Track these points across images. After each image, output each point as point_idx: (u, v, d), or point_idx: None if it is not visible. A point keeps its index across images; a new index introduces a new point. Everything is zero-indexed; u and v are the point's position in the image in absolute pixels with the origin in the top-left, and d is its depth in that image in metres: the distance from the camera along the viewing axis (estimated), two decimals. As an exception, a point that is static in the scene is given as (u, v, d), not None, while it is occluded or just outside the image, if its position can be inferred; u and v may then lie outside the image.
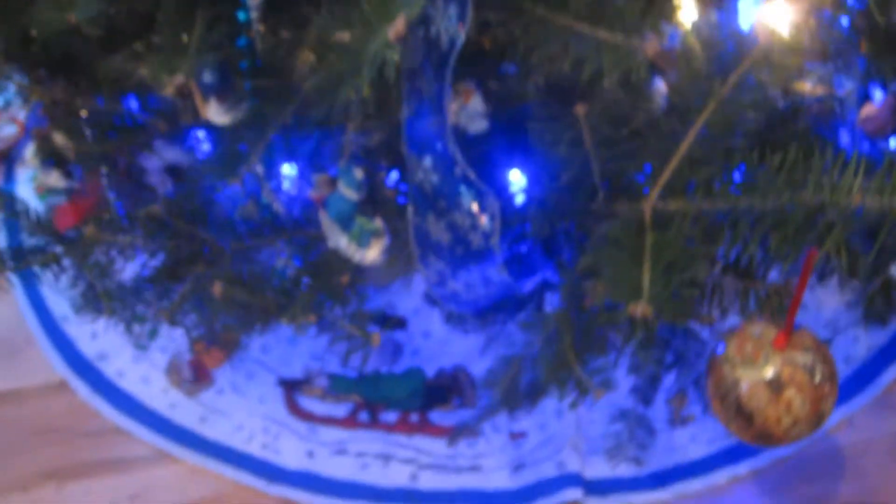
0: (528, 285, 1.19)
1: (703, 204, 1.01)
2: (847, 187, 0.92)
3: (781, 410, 1.02)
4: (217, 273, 1.17)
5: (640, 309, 0.91)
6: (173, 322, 1.23)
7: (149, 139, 1.24)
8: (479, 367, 1.59)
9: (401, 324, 1.65)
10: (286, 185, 1.23)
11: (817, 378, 1.03)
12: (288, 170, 1.22)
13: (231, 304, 1.18)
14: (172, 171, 1.30)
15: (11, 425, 1.61)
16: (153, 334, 1.68)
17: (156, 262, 1.25)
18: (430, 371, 1.60)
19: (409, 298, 1.68)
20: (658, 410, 1.53)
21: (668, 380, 1.53)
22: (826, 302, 1.52)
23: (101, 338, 1.68)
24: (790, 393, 1.02)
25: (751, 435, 1.06)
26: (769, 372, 1.03)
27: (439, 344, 1.63)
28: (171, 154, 1.30)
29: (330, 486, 1.50)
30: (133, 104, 1.24)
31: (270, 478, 1.51)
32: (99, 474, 1.54)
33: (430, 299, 1.59)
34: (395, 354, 1.62)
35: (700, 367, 1.34)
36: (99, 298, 1.26)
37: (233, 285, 1.16)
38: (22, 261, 1.25)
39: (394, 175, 1.20)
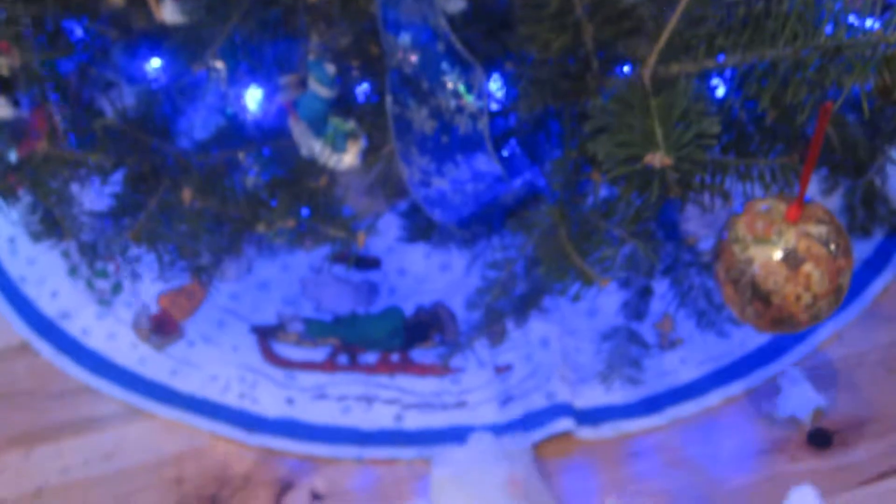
0: (516, 184, 1.14)
1: (706, 62, 0.96)
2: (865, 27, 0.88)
3: (800, 287, 0.98)
4: (185, 182, 1.11)
5: (658, 158, 0.86)
6: (142, 242, 1.16)
7: (102, 51, 1.17)
8: (458, 302, 1.54)
9: (375, 263, 1.60)
10: (251, 93, 1.16)
11: (834, 249, 0.98)
12: (251, 75, 1.15)
13: (202, 217, 1.12)
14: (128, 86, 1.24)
15: (-26, 392, 1.54)
16: (117, 289, 1.63)
17: (116, 181, 1.18)
18: (408, 309, 1.56)
19: (381, 239, 1.62)
20: (646, 336, 1.49)
21: (653, 305, 1.49)
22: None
23: (62, 297, 1.63)
24: (808, 267, 0.97)
25: (768, 320, 1.01)
26: (784, 247, 0.97)
27: (416, 281, 1.59)
28: (126, 66, 1.23)
29: (312, 432, 1.45)
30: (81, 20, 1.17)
31: (249, 427, 1.46)
32: (69, 435, 1.49)
33: (404, 237, 1.54)
34: (371, 295, 1.57)
35: (690, 279, 1.30)
36: (58, 224, 1.19)
37: (203, 194, 1.09)
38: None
39: (364, 86, 1.14)
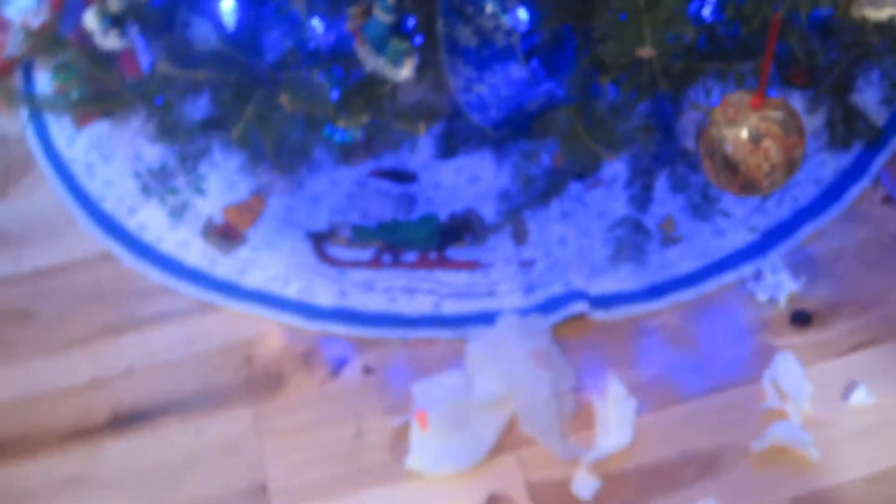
0: (539, 91, 1.37)
1: None
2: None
3: (760, 158, 1.22)
4: (282, 90, 1.34)
5: (646, 51, 1.10)
6: (242, 143, 1.38)
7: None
8: (487, 209, 1.76)
9: (412, 177, 1.82)
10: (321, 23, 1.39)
11: (788, 129, 1.22)
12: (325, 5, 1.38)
13: (293, 118, 1.35)
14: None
15: (64, 293, 1.76)
16: (185, 205, 1.83)
17: (218, 96, 1.41)
18: (443, 216, 1.77)
19: (417, 156, 1.84)
20: (651, 234, 1.70)
21: (658, 208, 1.71)
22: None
23: (137, 212, 1.84)
24: (766, 143, 1.21)
25: (738, 185, 1.25)
26: (747, 127, 1.21)
27: (449, 192, 1.80)
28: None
29: (362, 318, 1.67)
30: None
31: (308, 315, 1.67)
32: (152, 326, 1.70)
33: (438, 154, 1.75)
34: (410, 204, 1.79)
35: (686, 178, 1.52)
36: (171, 130, 1.42)
37: (297, 98, 1.32)
38: (92, 106, 1.40)
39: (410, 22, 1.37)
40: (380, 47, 1.33)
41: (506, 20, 1.29)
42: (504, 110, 1.37)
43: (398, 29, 1.35)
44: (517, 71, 1.32)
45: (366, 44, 1.34)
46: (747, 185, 1.27)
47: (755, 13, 1.25)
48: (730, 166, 1.24)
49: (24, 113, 2.05)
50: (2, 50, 2.17)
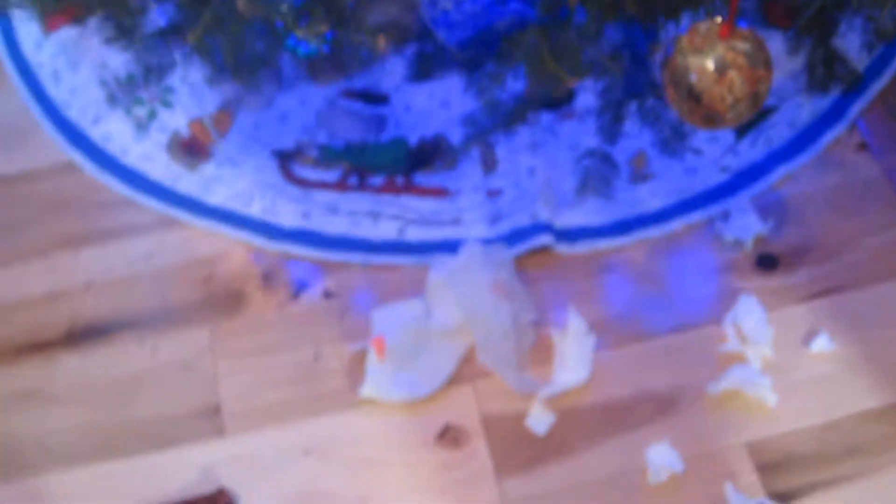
0: (508, 10, 1.34)
1: None
2: None
3: (724, 90, 1.19)
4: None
5: None
6: (199, 48, 1.35)
7: None
8: (457, 136, 1.73)
9: (383, 99, 1.79)
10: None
11: (754, 62, 1.19)
12: None
13: (251, 24, 1.32)
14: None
15: (26, 201, 1.74)
16: (152, 115, 1.80)
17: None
18: (412, 140, 1.74)
19: (390, 78, 1.81)
20: (622, 170, 1.68)
21: (628, 143, 1.69)
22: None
23: (102, 122, 1.80)
24: (731, 74, 1.19)
25: (699, 116, 1.22)
26: (713, 57, 1.19)
27: (420, 116, 1.77)
28: None
29: (325, 241, 1.65)
30: None
31: (270, 235, 1.66)
32: (112, 239, 1.68)
33: (410, 76, 1.72)
34: (380, 126, 1.76)
35: (656, 111, 1.49)
36: (128, 31, 1.38)
37: (254, 2, 1.29)
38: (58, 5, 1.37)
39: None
40: None
41: None
42: (471, 29, 1.34)
43: None
44: None
45: None
46: (709, 117, 1.25)
47: None
48: (693, 96, 1.22)
49: (-9, 14, 2.00)
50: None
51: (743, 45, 1.20)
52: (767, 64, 1.22)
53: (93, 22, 1.44)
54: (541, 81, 1.30)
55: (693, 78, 1.20)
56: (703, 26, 1.22)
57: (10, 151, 1.79)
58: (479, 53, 1.38)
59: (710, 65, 1.20)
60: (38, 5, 1.46)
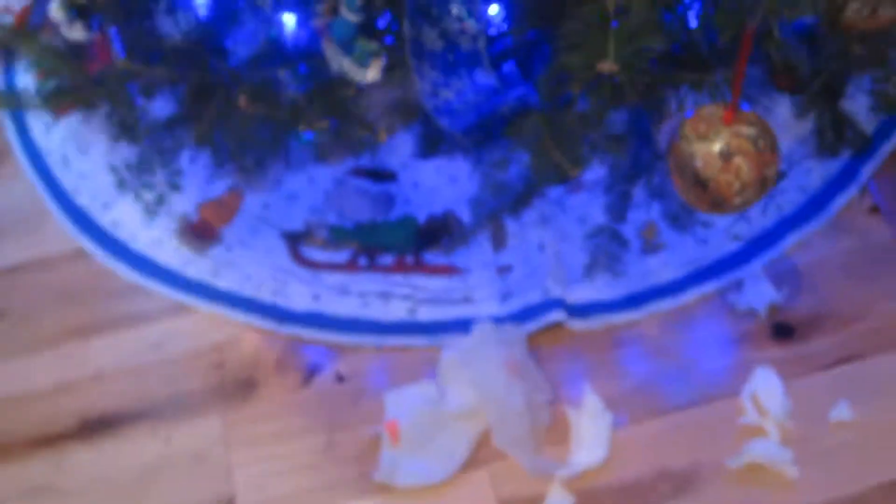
0: (511, 97, 1.33)
1: None
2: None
3: (731, 176, 1.18)
4: (241, 91, 1.31)
5: (608, 66, 1.07)
6: (203, 143, 1.35)
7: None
8: (465, 211, 1.73)
9: (391, 176, 1.78)
10: (289, 18, 1.36)
11: (760, 146, 1.18)
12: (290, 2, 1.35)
13: (254, 120, 1.32)
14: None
15: (36, 290, 1.73)
16: (161, 200, 1.80)
17: (180, 95, 1.38)
18: (421, 217, 1.73)
19: (396, 155, 1.81)
20: (633, 243, 1.67)
21: (639, 214, 1.68)
22: (781, 137, 1.66)
23: (111, 207, 1.80)
24: (738, 160, 1.18)
25: (707, 203, 1.21)
26: (719, 143, 1.18)
27: (428, 192, 1.77)
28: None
29: (336, 324, 1.64)
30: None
31: (281, 319, 1.65)
32: (122, 328, 1.67)
33: (417, 153, 1.72)
34: (388, 204, 1.75)
35: (664, 185, 1.48)
36: (131, 129, 1.39)
37: (254, 101, 1.29)
38: (62, 99, 1.38)
39: (385, 13, 1.33)
40: (346, 47, 1.30)
41: (472, 23, 1.26)
42: (473, 116, 1.33)
43: (367, 29, 1.31)
44: (484, 76, 1.28)
45: (332, 43, 1.31)
46: (717, 203, 1.24)
47: (726, 26, 1.21)
48: (699, 183, 1.21)
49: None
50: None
51: (748, 130, 1.19)
52: (774, 147, 1.21)
53: (96, 118, 1.44)
54: (544, 171, 1.29)
55: (698, 165, 1.20)
56: (707, 111, 1.21)
57: (21, 239, 1.79)
58: (482, 138, 1.37)
59: (715, 152, 1.19)
60: (47, 104, 1.46)
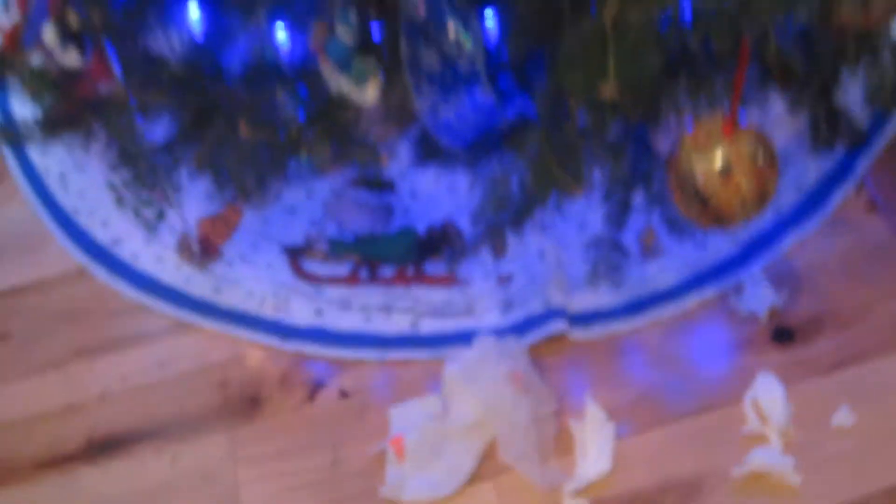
0: (509, 112, 1.34)
1: (653, 11, 1.15)
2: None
3: (731, 191, 1.19)
4: (241, 117, 1.31)
5: (609, 90, 1.07)
6: (203, 167, 1.36)
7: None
8: (465, 220, 1.73)
9: (390, 186, 1.79)
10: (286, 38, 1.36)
11: (760, 161, 1.19)
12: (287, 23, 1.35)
13: (255, 146, 1.32)
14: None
15: (39, 312, 1.74)
16: (160, 217, 1.80)
17: (179, 120, 1.38)
18: (421, 227, 1.74)
19: (395, 164, 1.80)
20: (630, 248, 1.67)
21: (637, 219, 1.68)
22: (775, 133, 1.66)
23: (111, 225, 1.81)
24: (738, 175, 1.18)
25: (708, 218, 1.22)
26: (719, 161, 1.18)
27: (427, 203, 1.77)
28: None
29: (339, 338, 1.65)
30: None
31: (284, 336, 1.65)
32: (126, 347, 1.68)
33: (416, 160, 1.72)
34: (387, 216, 1.76)
35: (663, 191, 1.48)
36: (133, 157, 1.39)
37: (255, 126, 1.30)
38: (56, 129, 1.38)
39: (379, 26, 1.33)
40: (343, 66, 1.30)
41: (468, 42, 1.26)
42: (473, 133, 1.34)
43: (364, 47, 1.31)
44: (482, 95, 1.28)
45: (329, 62, 1.31)
46: (718, 219, 1.24)
47: (723, 35, 1.20)
48: (700, 199, 1.21)
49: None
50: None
51: (747, 145, 1.20)
52: (773, 161, 1.22)
53: (96, 147, 1.45)
54: (544, 186, 1.29)
55: (699, 182, 1.20)
56: (706, 125, 1.22)
57: (23, 261, 1.80)
58: (482, 154, 1.37)
59: (715, 167, 1.19)
60: (42, 132, 1.46)
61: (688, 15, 1.30)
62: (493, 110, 1.34)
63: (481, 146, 1.41)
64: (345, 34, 1.30)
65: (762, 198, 1.22)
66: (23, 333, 1.72)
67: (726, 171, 1.20)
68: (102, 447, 1.58)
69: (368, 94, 1.32)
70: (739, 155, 1.20)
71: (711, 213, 1.22)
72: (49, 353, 1.69)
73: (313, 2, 1.34)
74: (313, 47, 1.33)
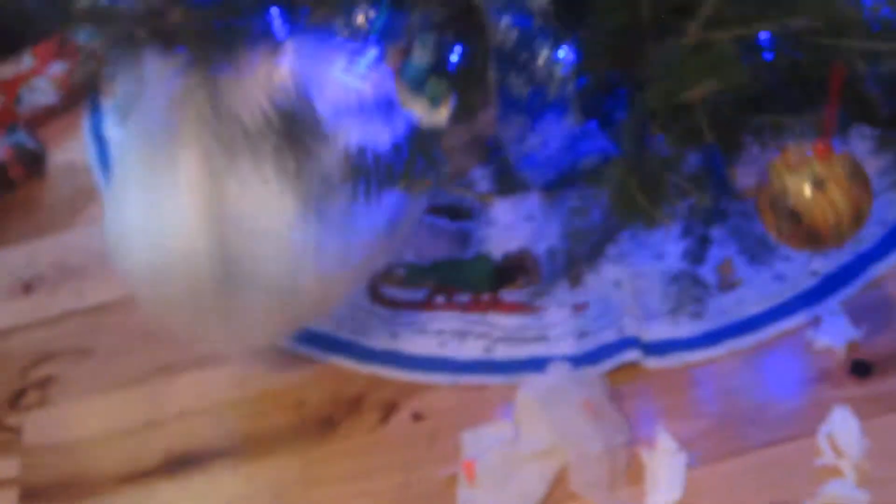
0: (591, 146, 1.34)
1: (740, 30, 1.15)
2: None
3: (826, 206, 1.17)
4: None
5: (697, 91, 1.08)
6: None
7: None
8: (541, 248, 1.74)
9: (468, 214, 1.80)
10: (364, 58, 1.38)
11: (854, 181, 1.18)
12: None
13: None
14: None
15: (122, 329, 1.78)
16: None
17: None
18: (497, 255, 1.75)
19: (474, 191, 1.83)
20: (708, 279, 1.67)
21: (715, 251, 1.67)
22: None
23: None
24: (832, 190, 1.17)
25: (801, 237, 1.21)
26: (812, 175, 1.18)
27: (504, 230, 1.78)
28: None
29: (413, 362, 1.66)
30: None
31: (360, 358, 1.67)
32: (206, 366, 1.71)
33: (495, 191, 1.73)
34: (465, 242, 1.77)
35: (742, 225, 1.48)
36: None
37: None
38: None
39: (458, 49, 1.34)
40: (418, 87, 1.32)
41: (560, 69, 1.26)
42: (555, 170, 1.34)
43: (437, 70, 1.33)
44: (571, 122, 1.29)
45: (403, 85, 1.33)
46: (812, 237, 1.23)
47: (811, 71, 1.20)
48: (793, 216, 1.20)
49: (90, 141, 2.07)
50: (69, 77, 2.19)
51: (841, 166, 1.19)
52: (867, 185, 1.20)
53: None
54: (629, 217, 1.28)
55: (792, 199, 1.19)
56: (798, 148, 1.21)
57: (107, 279, 1.84)
58: (562, 189, 1.38)
59: (808, 183, 1.18)
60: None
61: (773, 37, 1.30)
62: (577, 142, 1.35)
63: (562, 183, 1.42)
64: (422, 56, 1.31)
65: (858, 218, 1.21)
66: (106, 349, 1.76)
67: (820, 186, 1.18)
68: (180, 463, 1.61)
69: (440, 116, 1.33)
70: (834, 172, 1.19)
71: (804, 232, 1.21)
72: (131, 369, 1.72)
73: (392, 22, 1.35)
74: (389, 67, 1.35)
